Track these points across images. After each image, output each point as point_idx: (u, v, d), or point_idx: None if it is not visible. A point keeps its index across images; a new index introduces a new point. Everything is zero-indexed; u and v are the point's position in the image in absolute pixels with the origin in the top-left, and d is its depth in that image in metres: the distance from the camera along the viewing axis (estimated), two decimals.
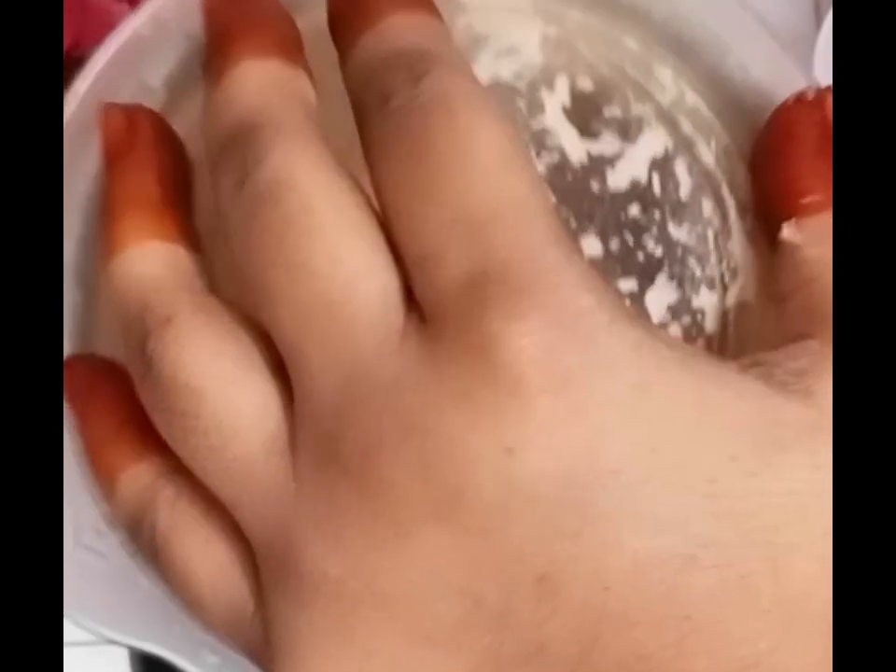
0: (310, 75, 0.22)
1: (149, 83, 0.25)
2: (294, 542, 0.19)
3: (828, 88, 0.23)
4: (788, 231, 0.22)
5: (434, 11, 0.21)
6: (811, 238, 0.22)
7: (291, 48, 0.22)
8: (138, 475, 0.22)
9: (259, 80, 0.21)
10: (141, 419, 0.22)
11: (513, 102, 0.25)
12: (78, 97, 0.24)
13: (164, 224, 0.22)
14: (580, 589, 0.17)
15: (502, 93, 0.25)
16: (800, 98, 0.23)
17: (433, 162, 0.19)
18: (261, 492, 0.20)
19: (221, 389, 0.20)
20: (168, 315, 0.20)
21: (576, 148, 0.25)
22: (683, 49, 0.25)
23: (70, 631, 0.22)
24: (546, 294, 0.18)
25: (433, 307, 0.19)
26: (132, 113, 0.23)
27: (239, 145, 0.20)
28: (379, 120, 0.20)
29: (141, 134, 0.23)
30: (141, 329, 0.20)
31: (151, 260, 0.21)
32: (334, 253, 0.19)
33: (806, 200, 0.22)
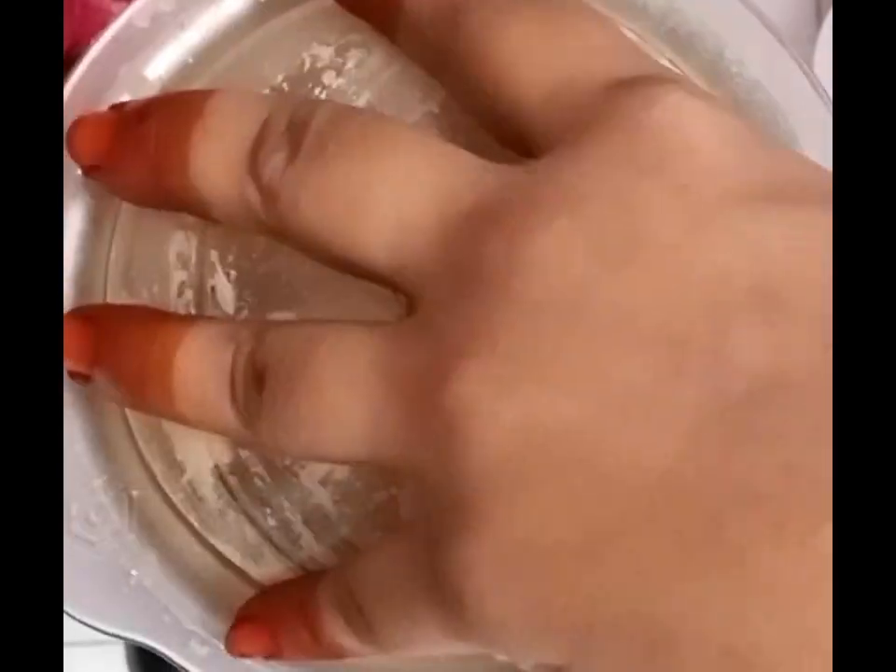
0: None
1: (145, 74, 0.25)
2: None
3: None
4: None
5: None
6: None
7: None
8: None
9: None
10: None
11: None
12: (71, 87, 0.24)
13: None
14: (804, 297, 0.18)
15: None
16: None
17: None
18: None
19: None
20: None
21: None
22: (680, 42, 0.25)
23: (69, 631, 0.22)
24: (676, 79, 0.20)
25: (581, 116, 0.19)
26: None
27: (275, 126, 0.20)
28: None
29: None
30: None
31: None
32: (419, 137, 0.20)
33: None
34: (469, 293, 0.19)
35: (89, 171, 0.23)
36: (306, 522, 0.24)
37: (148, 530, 0.24)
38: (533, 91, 0.20)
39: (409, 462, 0.19)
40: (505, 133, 0.21)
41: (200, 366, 0.21)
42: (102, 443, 0.24)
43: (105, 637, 0.24)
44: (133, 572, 0.24)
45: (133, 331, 0.22)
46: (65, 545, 0.24)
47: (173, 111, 0.22)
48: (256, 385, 0.20)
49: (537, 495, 0.18)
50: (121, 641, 0.25)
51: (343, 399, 0.20)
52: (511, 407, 0.18)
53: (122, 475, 0.24)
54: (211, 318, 0.23)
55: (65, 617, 0.23)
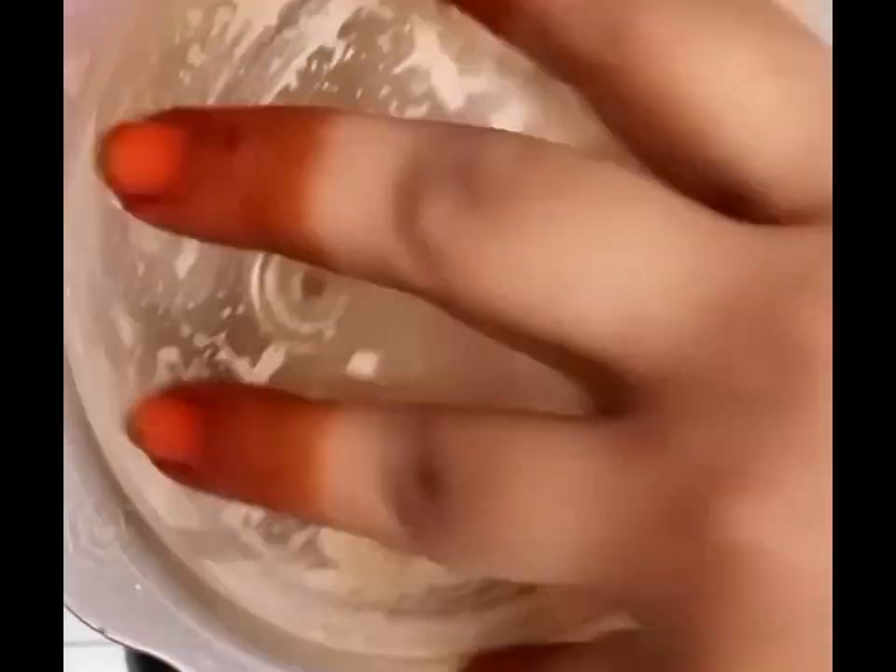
0: None
1: None
2: None
3: None
4: None
5: None
6: None
7: None
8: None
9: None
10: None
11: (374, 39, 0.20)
12: None
13: None
14: None
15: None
16: None
17: None
18: None
19: None
20: None
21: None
22: None
23: (69, 631, 0.21)
24: None
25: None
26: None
27: (430, 166, 0.16)
28: None
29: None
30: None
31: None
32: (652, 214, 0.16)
33: None
34: (732, 412, 0.16)
35: (134, 202, 0.17)
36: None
37: (145, 544, 0.24)
38: (764, 164, 0.16)
39: (633, 596, 0.16)
40: (695, 180, 0.17)
41: (352, 464, 0.18)
42: (93, 461, 0.24)
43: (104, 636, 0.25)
44: (137, 587, 0.24)
45: (257, 420, 0.19)
46: (74, 559, 0.24)
47: (277, 138, 0.17)
48: (424, 491, 0.17)
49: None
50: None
51: (549, 522, 0.16)
52: (800, 549, 0.15)
53: (115, 489, 0.24)
54: (355, 404, 0.18)
55: (65, 617, 0.23)
